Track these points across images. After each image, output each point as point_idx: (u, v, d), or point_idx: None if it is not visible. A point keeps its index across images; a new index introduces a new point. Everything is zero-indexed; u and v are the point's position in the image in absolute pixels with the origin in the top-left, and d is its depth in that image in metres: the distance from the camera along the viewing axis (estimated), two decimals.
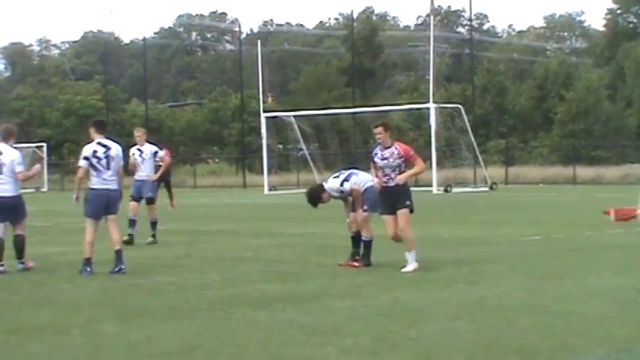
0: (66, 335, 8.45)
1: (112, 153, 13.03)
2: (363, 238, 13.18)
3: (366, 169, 13.74)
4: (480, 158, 42.97)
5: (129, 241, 16.47)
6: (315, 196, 13.69)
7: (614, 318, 8.75)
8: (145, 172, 17.48)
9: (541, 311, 9.14)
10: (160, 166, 18.64)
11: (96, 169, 12.94)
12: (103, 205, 13.00)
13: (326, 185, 13.56)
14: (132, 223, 17.12)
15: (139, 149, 17.54)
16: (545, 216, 23.35)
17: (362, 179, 13.24)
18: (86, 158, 12.98)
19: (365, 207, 13.08)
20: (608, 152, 52.69)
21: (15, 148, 13.64)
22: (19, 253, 13.43)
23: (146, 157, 17.46)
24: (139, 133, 17.83)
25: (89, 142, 13.18)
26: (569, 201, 30.71)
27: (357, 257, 13.17)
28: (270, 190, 43.39)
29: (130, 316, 9.36)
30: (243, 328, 8.64)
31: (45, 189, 53.27)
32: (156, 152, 17.63)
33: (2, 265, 13.30)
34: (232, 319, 9.15)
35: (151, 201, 17.61)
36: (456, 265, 12.90)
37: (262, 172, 45.24)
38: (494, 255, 14.19)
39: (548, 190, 38.98)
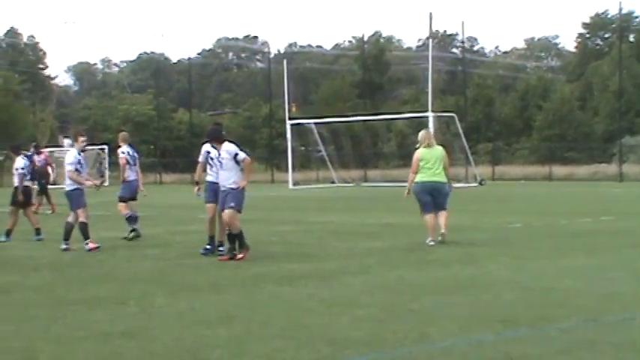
0: (124, 305, 8.48)
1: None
2: (234, 232, 12.04)
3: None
4: (471, 158, 42.77)
5: (137, 236, 15.32)
6: (219, 131, 12.61)
7: (583, 292, 8.71)
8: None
9: (522, 287, 9.10)
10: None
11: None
12: None
13: (225, 144, 12.39)
14: (132, 219, 15.55)
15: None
16: (525, 207, 23.24)
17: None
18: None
19: (232, 204, 11.98)
20: (579, 154, 52.37)
21: (84, 150, 13.94)
22: (84, 235, 13.72)
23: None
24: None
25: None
26: (546, 195, 30.56)
27: (235, 252, 12.03)
28: (294, 185, 43.28)
29: (177, 290, 9.39)
30: (271, 300, 8.65)
31: (107, 184, 53.35)
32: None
33: (68, 244, 13.77)
34: (262, 293, 9.16)
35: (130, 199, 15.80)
36: (451, 248, 12.84)
37: (287, 170, 45.12)
38: (483, 240, 14.12)
39: (528, 186, 38.79)
